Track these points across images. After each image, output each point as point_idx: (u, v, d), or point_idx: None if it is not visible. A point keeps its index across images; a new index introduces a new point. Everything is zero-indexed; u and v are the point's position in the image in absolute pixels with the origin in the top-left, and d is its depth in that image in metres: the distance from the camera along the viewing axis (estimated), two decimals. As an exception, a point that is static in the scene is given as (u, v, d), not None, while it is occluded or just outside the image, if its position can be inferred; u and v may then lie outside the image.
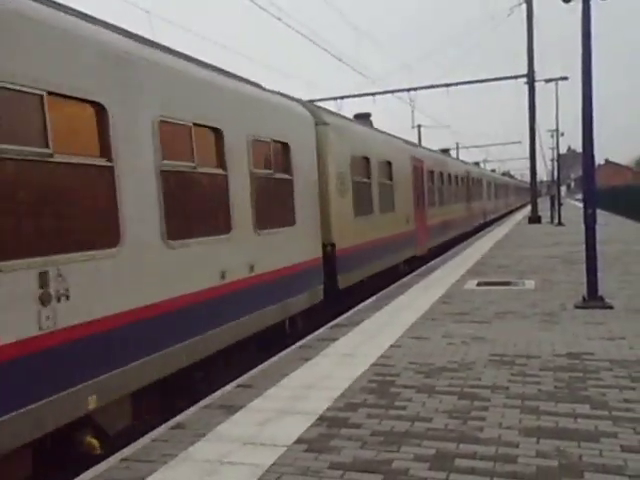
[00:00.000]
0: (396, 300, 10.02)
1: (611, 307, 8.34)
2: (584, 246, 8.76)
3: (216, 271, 6.22)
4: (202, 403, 5.29)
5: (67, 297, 4.25)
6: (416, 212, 15.54)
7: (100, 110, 4.71)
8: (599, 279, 8.69)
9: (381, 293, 10.98)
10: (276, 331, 7.85)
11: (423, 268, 14.43)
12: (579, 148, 10.55)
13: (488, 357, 6.19)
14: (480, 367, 5.85)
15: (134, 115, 5.10)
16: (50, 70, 4.23)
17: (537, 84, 29.03)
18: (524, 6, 29.20)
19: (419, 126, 53.30)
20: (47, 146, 4.16)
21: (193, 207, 5.93)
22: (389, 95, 30.83)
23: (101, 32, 4.95)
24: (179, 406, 5.69)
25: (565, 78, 29.23)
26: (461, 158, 44.17)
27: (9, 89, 3.90)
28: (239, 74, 7.68)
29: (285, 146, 8.15)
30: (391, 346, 6.88)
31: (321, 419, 4.69)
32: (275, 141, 7.81)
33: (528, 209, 37.99)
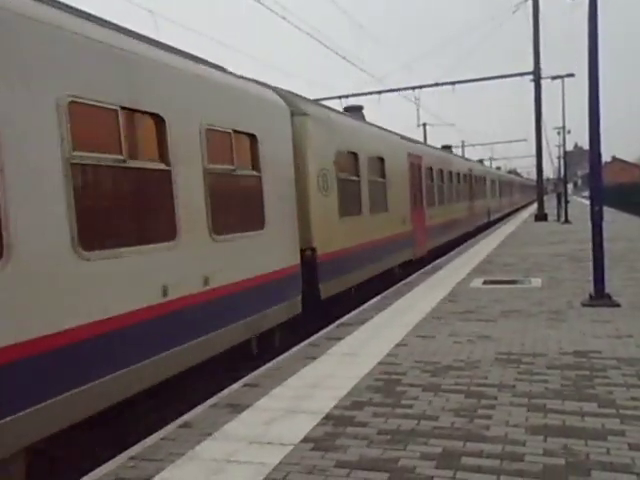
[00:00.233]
0: (402, 299, 10.01)
1: (618, 305, 8.31)
2: (591, 244, 8.74)
3: (155, 286, 5.16)
4: (209, 402, 5.31)
5: None
6: (413, 212, 14.73)
7: None
8: (605, 277, 8.66)
9: (387, 292, 10.97)
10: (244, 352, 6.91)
11: (428, 267, 14.40)
12: (586, 145, 10.52)
13: (494, 355, 6.18)
14: (486, 365, 5.84)
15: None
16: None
17: (542, 81, 28.92)
18: (529, 3, 29.08)
19: (424, 124, 53.25)
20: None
21: (118, 209, 4.91)
22: (394, 94, 30.82)
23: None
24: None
25: (571, 75, 29.14)
26: (467, 156, 44.05)
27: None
28: (204, 57, 6.72)
29: (252, 138, 7.09)
30: (397, 345, 6.88)
31: (327, 418, 4.69)
32: (238, 132, 6.74)
33: (534, 207, 37.87)
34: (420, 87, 30.39)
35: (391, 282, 12.42)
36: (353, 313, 9.12)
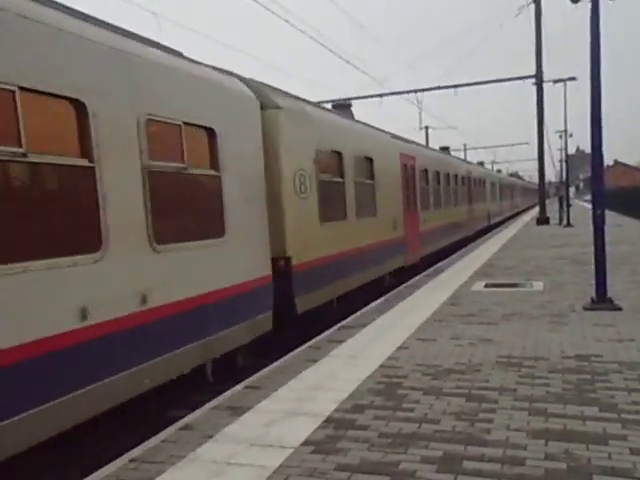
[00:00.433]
0: (403, 302, 10.00)
1: (620, 309, 8.29)
2: (593, 247, 8.72)
3: (71, 308, 4.28)
4: (210, 404, 5.30)
5: None
6: (406, 216, 13.83)
7: None
8: (607, 280, 8.65)
9: (389, 294, 10.96)
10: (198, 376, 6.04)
11: (431, 270, 14.38)
12: (588, 149, 10.51)
13: (496, 359, 6.17)
14: (488, 369, 5.83)
15: None
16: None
17: (544, 84, 28.91)
18: (531, 6, 29.11)
19: (427, 127, 53.26)
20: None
21: (20, 214, 4.02)
22: (395, 97, 30.85)
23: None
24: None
25: (573, 78, 29.13)
26: (469, 159, 43.99)
27: None
28: (152, 38, 5.88)
29: (210, 132, 6.22)
30: (398, 348, 6.87)
31: (328, 421, 4.69)
32: (190, 125, 5.86)
33: (536, 210, 37.83)
34: (422, 90, 30.48)
35: (378, 293, 11.54)
36: (354, 315, 9.11)
